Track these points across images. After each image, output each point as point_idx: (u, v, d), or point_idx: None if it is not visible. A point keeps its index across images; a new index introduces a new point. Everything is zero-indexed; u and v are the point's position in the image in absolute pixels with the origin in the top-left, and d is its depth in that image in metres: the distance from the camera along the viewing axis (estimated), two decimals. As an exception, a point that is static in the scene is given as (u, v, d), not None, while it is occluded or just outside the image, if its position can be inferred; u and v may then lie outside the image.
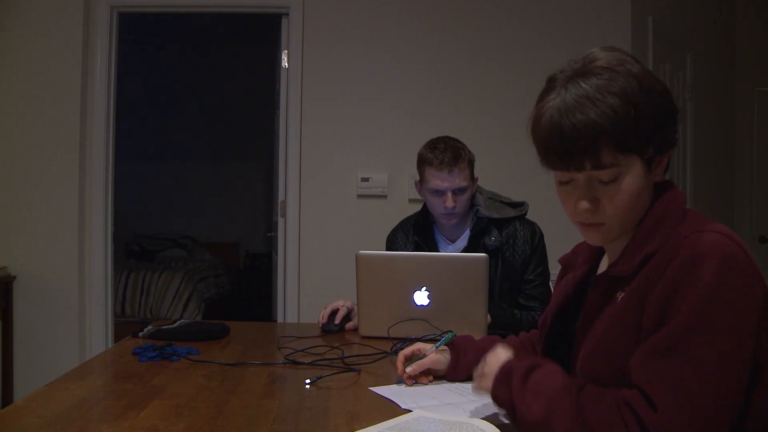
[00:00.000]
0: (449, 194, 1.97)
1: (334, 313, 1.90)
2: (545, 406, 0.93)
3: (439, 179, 1.97)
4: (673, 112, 0.99)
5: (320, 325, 1.89)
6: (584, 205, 0.98)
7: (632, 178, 0.96)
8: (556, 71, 1.00)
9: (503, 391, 1.01)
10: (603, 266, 1.11)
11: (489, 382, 1.04)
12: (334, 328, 1.86)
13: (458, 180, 1.96)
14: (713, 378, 0.85)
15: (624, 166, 0.96)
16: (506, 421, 1.05)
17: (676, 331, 0.88)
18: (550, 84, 1.00)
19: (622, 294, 0.99)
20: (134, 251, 5.85)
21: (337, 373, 1.38)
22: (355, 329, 1.86)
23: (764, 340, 0.91)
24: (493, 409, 1.13)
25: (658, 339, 0.90)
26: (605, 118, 0.92)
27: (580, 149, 0.94)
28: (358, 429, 1.01)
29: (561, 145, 0.95)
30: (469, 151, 2.03)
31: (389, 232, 2.20)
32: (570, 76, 0.97)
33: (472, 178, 2.03)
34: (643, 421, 0.86)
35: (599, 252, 1.15)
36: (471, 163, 2.02)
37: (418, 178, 2.07)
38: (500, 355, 1.08)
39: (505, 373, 1.02)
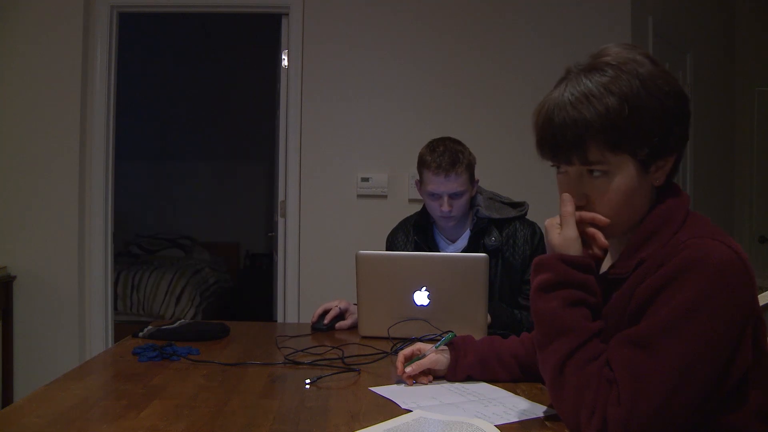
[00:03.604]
0: (445, 198, 1.96)
1: (326, 312, 1.91)
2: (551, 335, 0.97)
3: (435, 183, 1.96)
4: (680, 116, 0.99)
5: (311, 323, 1.91)
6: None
7: (623, 177, 0.98)
8: (572, 64, 1.03)
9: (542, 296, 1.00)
10: (604, 266, 1.12)
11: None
12: (322, 327, 1.88)
13: (454, 185, 1.96)
14: (674, 376, 0.87)
15: (613, 165, 0.97)
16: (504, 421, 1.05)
17: (654, 327, 0.90)
18: (564, 75, 1.03)
19: (617, 293, 1.01)
20: (134, 251, 5.84)
21: (337, 373, 1.38)
22: (347, 329, 1.87)
23: (749, 350, 0.92)
24: (493, 409, 1.13)
25: (635, 330, 0.92)
26: (596, 116, 0.95)
27: (568, 143, 0.97)
28: (358, 429, 1.01)
29: (551, 138, 0.99)
30: (470, 154, 2.02)
31: (389, 232, 2.20)
32: (581, 70, 1.00)
33: (472, 182, 2.03)
34: (608, 414, 0.88)
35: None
36: (470, 167, 2.00)
37: (419, 177, 2.07)
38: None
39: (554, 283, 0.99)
